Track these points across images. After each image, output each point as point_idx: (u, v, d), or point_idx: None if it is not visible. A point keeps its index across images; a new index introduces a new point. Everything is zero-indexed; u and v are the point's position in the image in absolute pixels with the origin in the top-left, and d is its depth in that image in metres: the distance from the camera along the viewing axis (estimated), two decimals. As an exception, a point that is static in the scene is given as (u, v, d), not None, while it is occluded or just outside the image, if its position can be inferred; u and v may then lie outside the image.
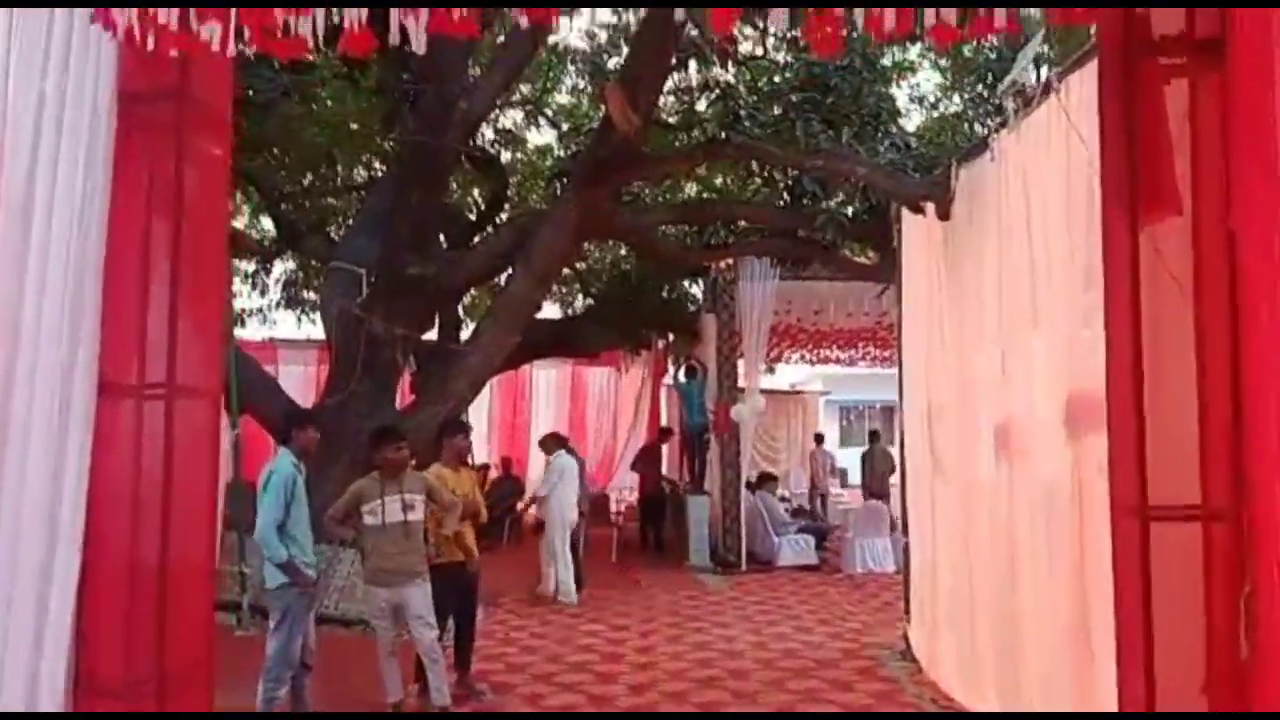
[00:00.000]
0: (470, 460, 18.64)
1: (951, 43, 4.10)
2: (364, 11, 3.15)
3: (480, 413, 21.82)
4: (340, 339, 9.47)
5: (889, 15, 2.84)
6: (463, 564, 6.67)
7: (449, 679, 6.73)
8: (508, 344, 9.13)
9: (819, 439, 19.87)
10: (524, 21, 3.19)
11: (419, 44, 3.00)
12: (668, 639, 8.69)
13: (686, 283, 17.67)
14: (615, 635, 8.84)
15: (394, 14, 3.06)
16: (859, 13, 2.90)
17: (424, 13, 3.04)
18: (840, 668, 7.63)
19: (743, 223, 11.76)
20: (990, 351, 6.15)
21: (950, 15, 2.82)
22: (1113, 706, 4.47)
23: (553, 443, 11.14)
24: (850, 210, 8.90)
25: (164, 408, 3.68)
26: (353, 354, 9.34)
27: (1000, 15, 2.90)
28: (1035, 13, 7.04)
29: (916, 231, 7.71)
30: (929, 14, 2.82)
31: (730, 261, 13.38)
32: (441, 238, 11.39)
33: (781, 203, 9.82)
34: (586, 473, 13.33)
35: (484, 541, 14.94)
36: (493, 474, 17.78)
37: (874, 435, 19.54)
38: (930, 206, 7.05)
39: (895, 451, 12.69)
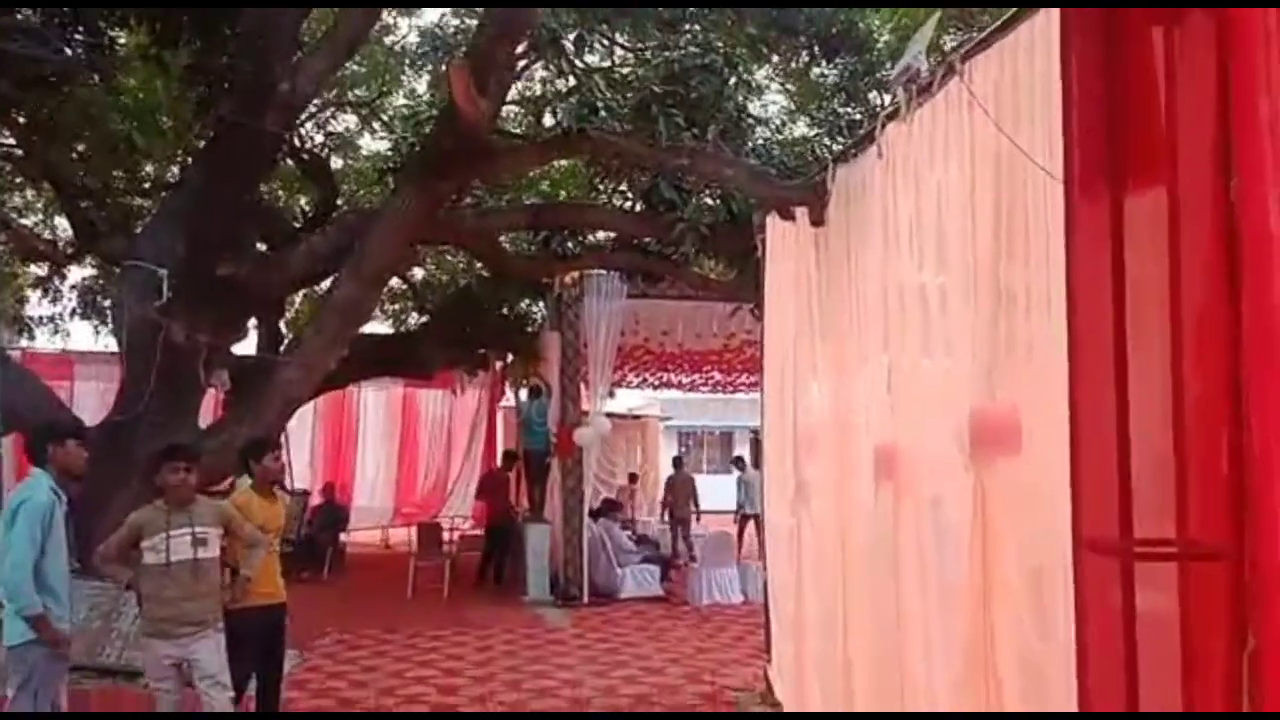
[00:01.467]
0: (289, 485, 17.35)
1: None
2: None
3: (303, 436, 20.40)
4: (134, 347, 8.26)
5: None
6: (267, 607, 5.66)
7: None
8: (332, 357, 8.13)
9: (677, 463, 19.24)
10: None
11: None
12: (506, 685, 7.84)
13: (527, 302, 16.91)
14: (448, 683, 7.91)
15: None
16: None
17: None
18: (698, 713, 6.95)
19: (592, 238, 11.10)
20: (874, 370, 5.62)
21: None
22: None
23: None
24: (709, 221, 8.32)
25: None
26: (148, 364, 8.14)
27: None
28: None
29: (784, 241, 7.16)
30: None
31: (576, 277, 12.70)
32: (261, 243, 10.28)
33: (635, 209, 9.17)
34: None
35: (305, 573, 13.83)
36: (315, 500, 16.38)
37: (738, 461, 19.24)
38: (802, 212, 6.51)
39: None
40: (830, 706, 6.18)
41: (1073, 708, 3.71)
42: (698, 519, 17.58)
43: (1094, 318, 2.68)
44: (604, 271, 12.69)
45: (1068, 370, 2.76)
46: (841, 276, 6.18)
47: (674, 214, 8.31)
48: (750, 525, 16.54)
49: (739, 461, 19.51)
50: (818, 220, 6.29)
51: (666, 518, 17.13)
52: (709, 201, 8.33)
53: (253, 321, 10.62)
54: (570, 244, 10.09)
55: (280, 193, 15.15)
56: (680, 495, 16.96)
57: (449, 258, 15.53)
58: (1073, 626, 3.84)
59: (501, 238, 10.57)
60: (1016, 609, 4.05)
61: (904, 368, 5.15)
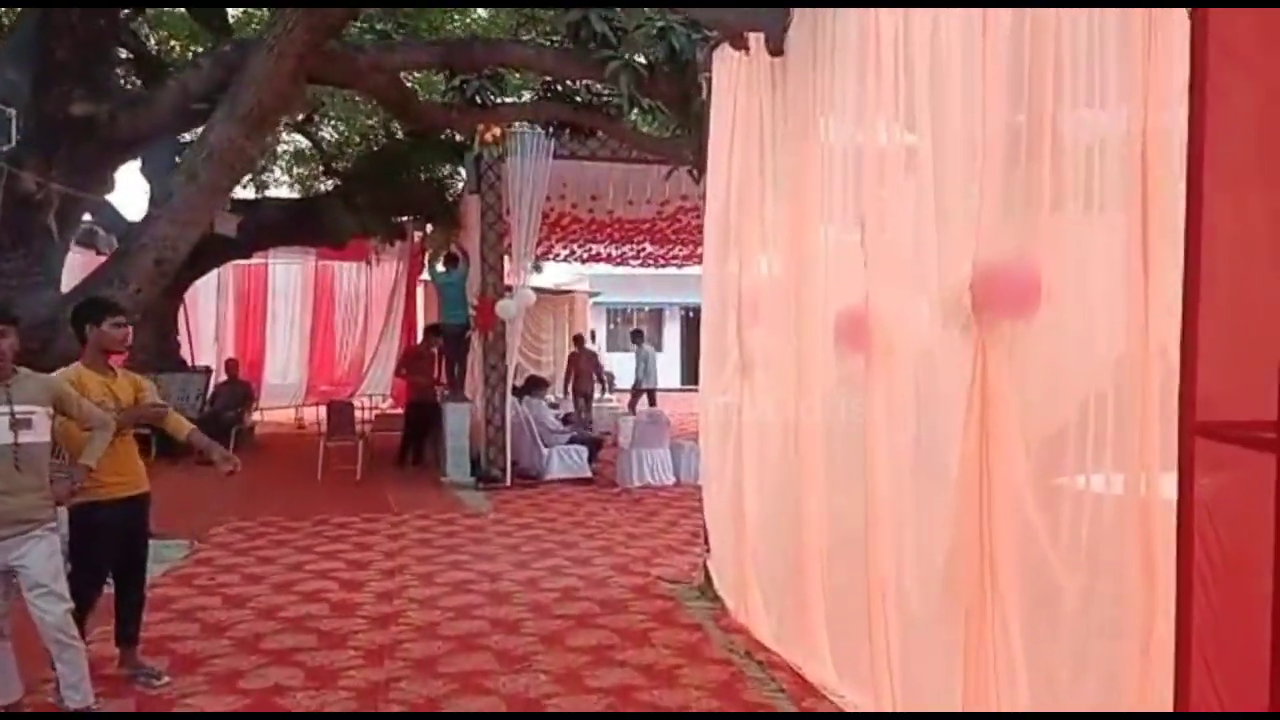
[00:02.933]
0: (190, 361, 16.18)
1: None
2: None
3: (209, 310, 19.16)
4: (-25, 199, 7.09)
5: None
6: (122, 500, 4.76)
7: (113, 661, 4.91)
8: (208, 208, 7.04)
9: (578, 340, 18.58)
10: None
11: None
12: (418, 578, 7.08)
13: (449, 169, 15.72)
14: (352, 576, 7.14)
15: None
16: None
17: None
18: (631, 611, 6.28)
19: (516, 79, 9.97)
20: (840, 225, 4.79)
21: None
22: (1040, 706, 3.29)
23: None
24: (646, 60, 7.31)
25: None
26: (-6, 219, 7.01)
27: None
28: None
29: (734, 78, 6.17)
30: None
31: (498, 134, 11.58)
32: (129, 83, 8.98)
33: (562, 46, 8.06)
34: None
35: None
36: (219, 379, 15.28)
37: (637, 335, 19.19)
38: (757, 39, 5.56)
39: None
40: (776, 608, 5.54)
41: (1092, 639, 3.07)
42: (604, 391, 17.96)
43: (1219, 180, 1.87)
44: (529, 128, 11.62)
45: (1184, 239, 1.93)
46: (803, 117, 5.27)
47: (606, 51, 7.28)
48: (644, 399, 17.53)
49: (637, 335, 19.89)
50: (776, 49, 5.34)
51: (569, 392, 16.93)
52: (646, 37, 7.29)
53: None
54: (491, 94, 8.95)
55: (173, 44, 13.64)
56: (583, 371, 16.93)
57: (361, 114, 14.17)
58: (1093, 528, 3.18)
59: (412, 84, 9.39)
60: (1020, 499, 3.34)
61: (880, 222, 4.32)
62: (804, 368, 5.24)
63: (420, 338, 16.34)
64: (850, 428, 4.63)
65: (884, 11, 4.22)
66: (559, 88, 9.53)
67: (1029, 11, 3.27)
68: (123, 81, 8.95)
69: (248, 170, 8.62)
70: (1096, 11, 3.06)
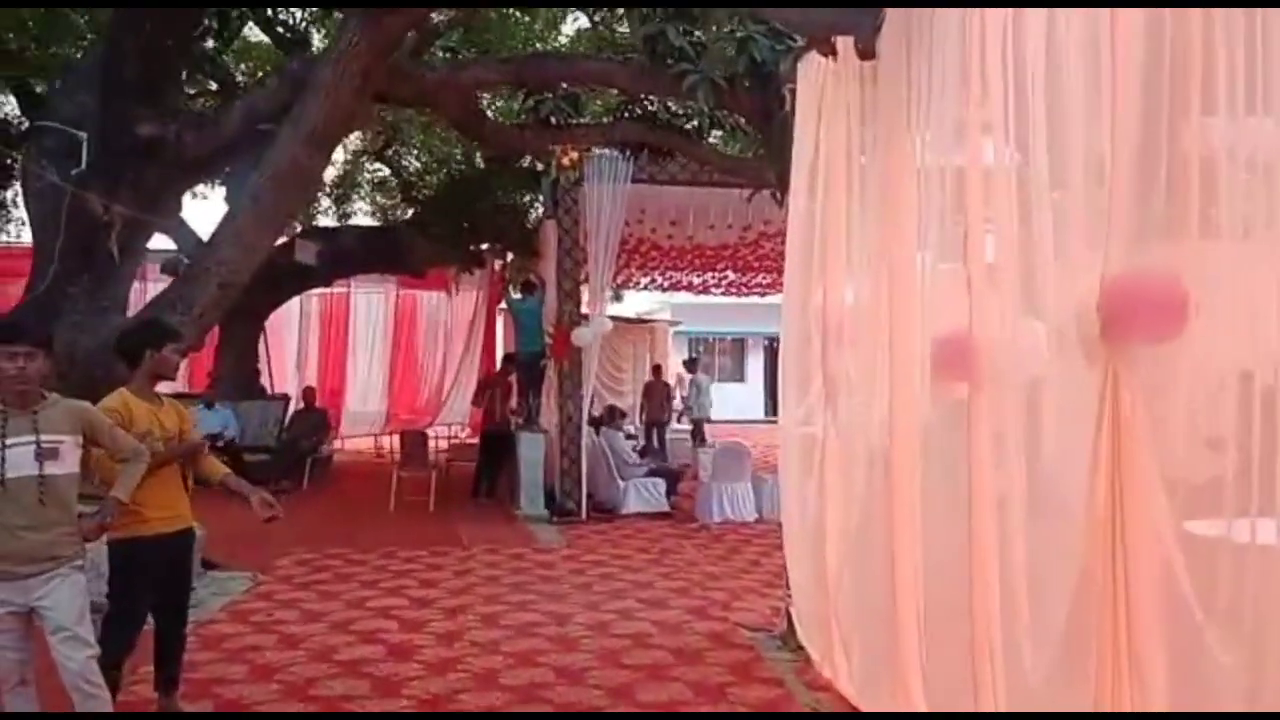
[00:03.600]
0: (269, 389, 16.17)
1: None
2: None
3: (290, 338, 19.25)
4: (44, 227, 6.99)
5: None
6: (164, 537, 4.47)
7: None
8: (273, 231, 6.84)
9: (656, 369, 18.42)
10: None
11: None
12: (482, 618, 6.71)
13: (528, 197, 15.51)
14: (414, 616, 6.79)
15: None
16: None
17: None
18: (707, 662, 5.80)
19: (596, 105, 9.66)
20: (938, 242, 4.30)
21: None
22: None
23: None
24: (726, 73, 6.91)
25: None
26: (64, 246, 6.90)
27: None
28: None
29: (820, 87, 5.69)
30: None
31: (575, 158, 11.31)
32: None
33: (635, 62, 7.70)
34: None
35: (284, 483, 12.73)
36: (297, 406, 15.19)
37: (691, 364, 18.93)
38: (846, 44, 5.13)
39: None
40: (865, 663, 5.03)
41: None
42: (678, 420, 18.00)
43: None
44: (606, 152, 11.33)
45: None
46: (895, 127, 4.80)
47: (685, 65, 6.91)
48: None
49: (691, 363, 19.59)
50: (867, 50, 4.90)
51: (642, 421, 16.86)
52: (725, 50, 6.90)
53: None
54: (566, 114, 8.63)
55: (261, 75, 13.68)
56: (656, 400, 16.85)
57: (438, 139, 14.03)
58: (1260, 589, 2.65)
59: (486, 105, 9.16)
60: (1162, 551, 2.82)
61: (985, 241, 3.83)
62: (896, 397, 4.74)
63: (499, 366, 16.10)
64: (950, 463, 4.12)
65: (990, 11, 3.75)
66: (637, 109, 9.19)
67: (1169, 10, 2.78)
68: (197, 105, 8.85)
69: (312, 191, 8.47)
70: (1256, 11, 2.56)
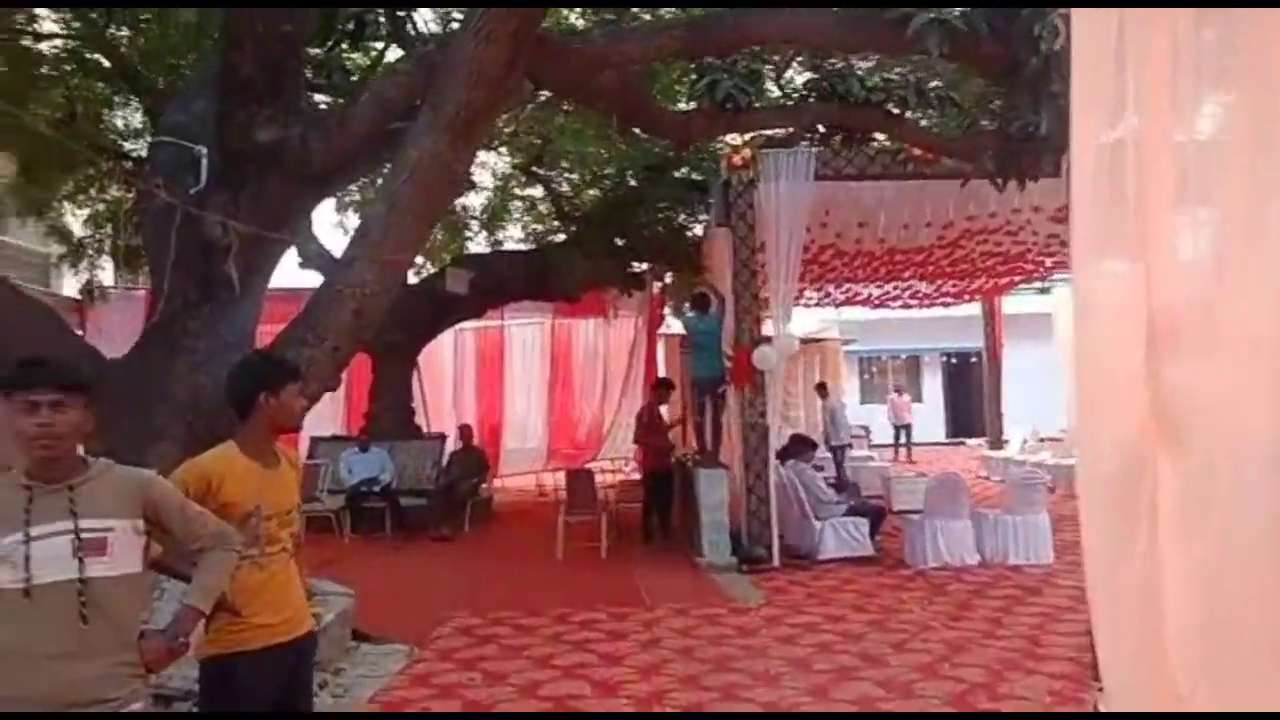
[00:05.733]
0: (426, 428, 15.29)
1: None
2: None
3: (445, 376, 18.47)
4: (157, 249, 6.06)
5: None
6: (272, 650, 3.27)
7: None
8: (412, 243, 5.71)
9: (821, 388, 17.00)
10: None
11: None
12: (680, 709, 5.35)
13: (687, 214, 14.22)
14: (595, 704, 5.49)
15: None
16: None
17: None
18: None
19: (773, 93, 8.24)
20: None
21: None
22: None
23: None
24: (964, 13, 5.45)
25: None
26: (180, 273, 5.94)
27: None
28: None
29: (1106, 23, 4.24)
30: None
31: (748, 155, 9.97)
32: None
33: (839, 11, 6.26)
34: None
35: (444, 529, 11.72)
36: (455, 446, 14.21)
37: (821, 388, 16.90)
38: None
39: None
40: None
41: None
42: (851, 446, 16.36)
43: None
44: (784, 151, 9.94)
45: None
46: (1262, 43, 3.28)
47: (908, 8, 5.48)
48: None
49: (821, 387, 17.53)
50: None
51: (828, 449, 15.21)
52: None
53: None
54: (747, 94, 7.25)
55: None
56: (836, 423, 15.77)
57: (591, 146, 12.84)
58: None
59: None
60: None
61: None
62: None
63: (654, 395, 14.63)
64: None
65: None
66: (826, 85, 7.75)
67: None
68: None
69: (456, 192, 7.36)
70: None
